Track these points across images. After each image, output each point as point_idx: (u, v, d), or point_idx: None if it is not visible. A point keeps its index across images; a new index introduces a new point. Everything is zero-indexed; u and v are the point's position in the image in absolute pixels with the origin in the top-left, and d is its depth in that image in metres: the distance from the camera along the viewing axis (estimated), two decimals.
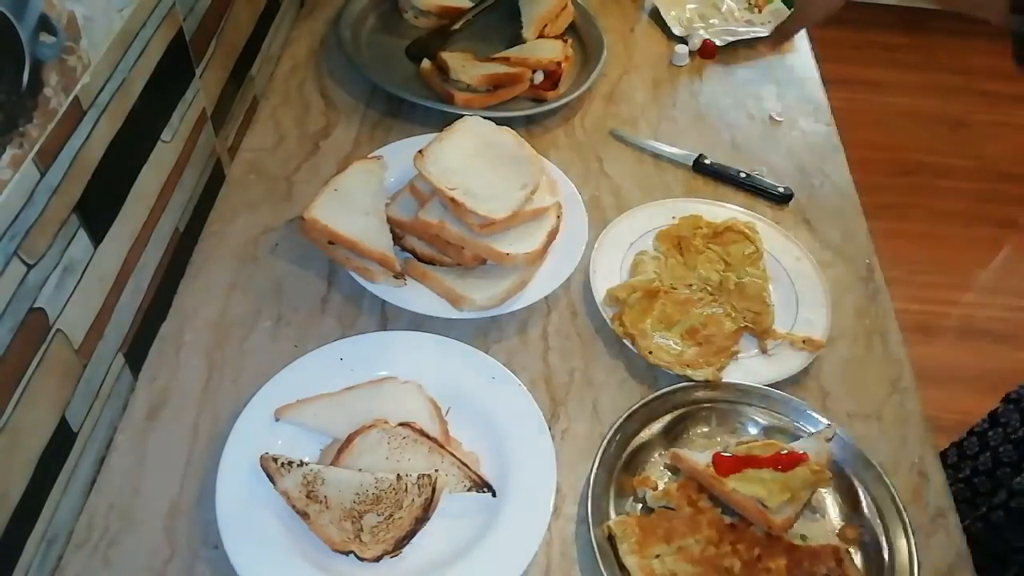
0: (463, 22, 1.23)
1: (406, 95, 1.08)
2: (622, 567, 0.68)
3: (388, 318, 0.87)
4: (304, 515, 0.68)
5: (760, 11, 1.28)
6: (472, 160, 0.88)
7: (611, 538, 0.70)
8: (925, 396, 0.86)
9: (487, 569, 0.68)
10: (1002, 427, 1.08)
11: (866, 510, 0.75)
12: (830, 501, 0.76)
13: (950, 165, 2.72)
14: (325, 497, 0.68)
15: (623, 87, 1.20)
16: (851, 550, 0.72)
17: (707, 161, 1.07)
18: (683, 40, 1.28)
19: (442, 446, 0.73)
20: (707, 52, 1.26)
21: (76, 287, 0.67)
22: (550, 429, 0.77)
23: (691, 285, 0.90)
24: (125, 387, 0.78)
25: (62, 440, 0.68)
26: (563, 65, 1.14)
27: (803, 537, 0.72)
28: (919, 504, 0.77)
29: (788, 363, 0.85)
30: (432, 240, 0.88)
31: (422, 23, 1.23)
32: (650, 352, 0.83)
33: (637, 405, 0.79)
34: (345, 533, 0.67)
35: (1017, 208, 2.56)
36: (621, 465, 0.76)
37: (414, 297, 0.85)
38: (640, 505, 0.74)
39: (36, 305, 0.62)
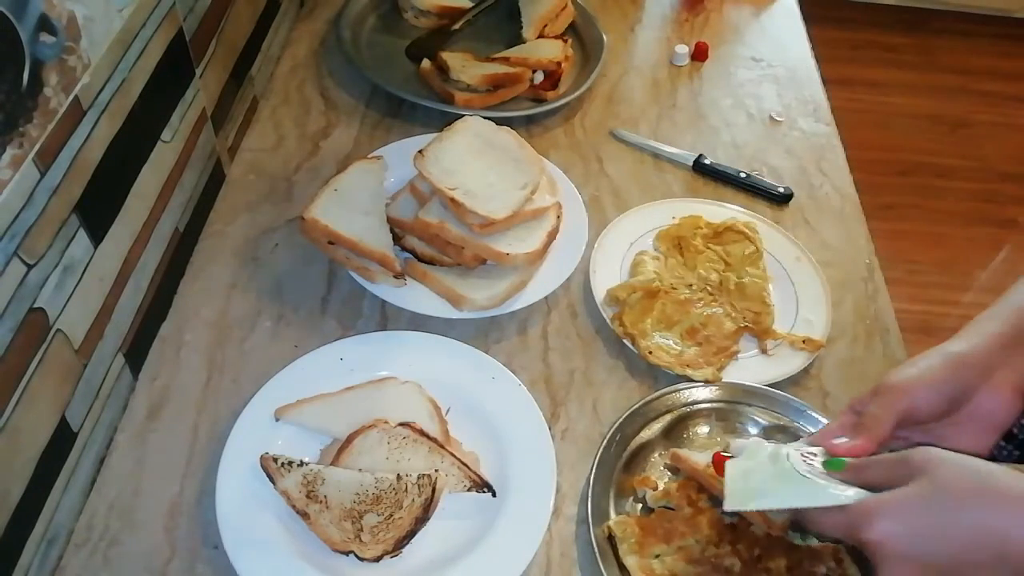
0: (463, 22, 1.23)
1: (406, 95, 1.08)
2: (622, 567, 0.68)
3: (388, 318, 0.87)
4: (304, 515, 0.67)
5: None
6: (472, 160, 0.88)
7: (611, 538, 0.70)
8: None
9: (487, 569, 0.68)
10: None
11: None
12: None
13: (950, 165, 2.72)
14: (325, 497, 0.68)
15: (623, 87, 1.20)
16: (851, 550, 0.72)
17: (707, 161, 1.07)
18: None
19: (442, 446, 0.73)
20: (700, 54, 1.26)
21: (76, 287, 0.67)
22: (550, 429, 0.77)
23: (691, 285, 0.90)
24: (125, 387, 0.78)
25: (62, 440, 0.68)
26: (563, 65, 1.14)
27: (803, 537, 0.72)
28: None
29: (788, 363, 0.85)
30: (432, 240, 0.88)
31: (422, 23, 1.23)
32: (650, 352, 0.83)
33: (637, 405, 0.79)
34: (345, 533, 0.67)
35: (1017, 208, 2.56)
36: (621, 465, 0.76)
37: (414, 297, 0.85)
38: (640, 505, 0.74)
39: (36, 305, 0.62)
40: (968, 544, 0.50)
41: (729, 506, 0.62)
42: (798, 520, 0.61)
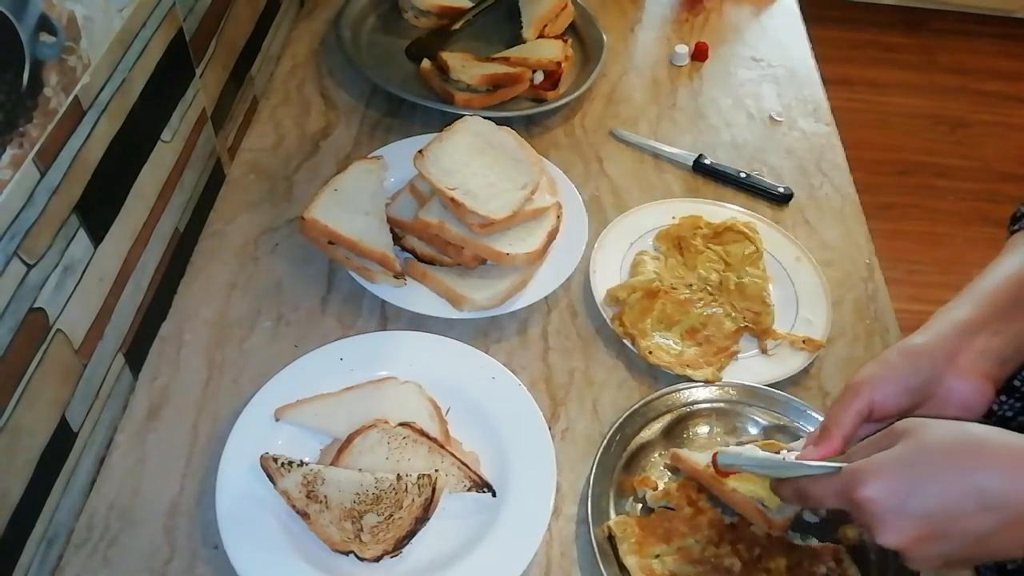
0: (463, 22, 1.23)
1: (406, 95, 1.08)
2: (622, 567, 0.68)
3: (388, 318, 0.87)
4: (304, 515, 0.67)
5: None
6: (472, 160, 0.88)
7: (611, 538, 0.70)
8: None
9: (487, 569, 0.68)
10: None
11: None
12: None
13: (950, 165, 2.72)
14: (325, 497, 0.68)
15: (623, 87, 1.20)
16: (851, 550, 0.72)
17: (707, 161, 1.07)
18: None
19: (442, 446, 0.73)
20: (700, 54, 1.26)
21: (76, 287, 0.67)
22: (550, 429, 0.77)
23: (691, 285, 0.90)
24: (125, 387, 0.78)
25: (62, 440, 0.68)
26: (563, 65, 1.14)
27: (803, 537, 0.72)
28: None
29: (788, 363, 0.85)
30: (432, 240, 0.88)
31: (422, 23, 1.23)
32: (650, 352, 0.83)
33: (637, 405, 0.79)
34: (345, 533, 0.67)
35: None
36: (621, 465, 0.76)
37: (414, 297, 0.85)
38: (640, 505, 0.74)
39: (36, 305, 0.62)
40: (953, 496, 0.51)
41: (720, 460, 0.67)
42: (793, 490, 0.62)
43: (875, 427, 0.62)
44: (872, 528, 0.54)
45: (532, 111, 1.10)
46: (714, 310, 0.88)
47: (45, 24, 0.58)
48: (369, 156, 0.96)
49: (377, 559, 0.66)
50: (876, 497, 0.52)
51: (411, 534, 0.67)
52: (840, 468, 0.56)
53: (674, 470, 0.77)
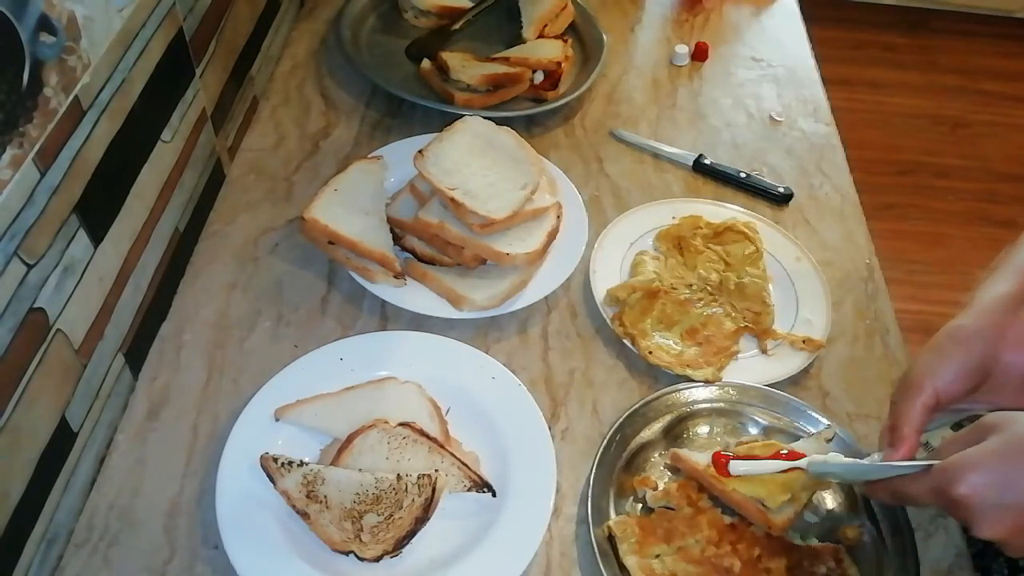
0: (463, 22, 1.23)
1: (406, 95, 1.08)
2: (622, 567, 0.68)
3: (388, 318, 0.87)
4: (304, 515, 0.67)
5: None
6: (472, 160, 0.88)
7: (611, 538, 0.70)
8: None
9: (487, 569, 0.68)
10: None
11: (866, 510, 0.75)
12: (830, 501, 0.76)
13: (950, 165, 2.72)
14: (325, 497, 0.68)
15: (623, 87, 1.20)
16: (851, 550, 0.72)
17: (707, 161, 1.07)
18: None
19: (442, 446, 0.73)
20: (700, 54, 1.26)
21: (76, 287, 0.67)
22: (550, 429, 0.77)
23: (691, 285, 0.90)
24: (125, 387, 0.78)
25: (62, 440, 0.68)
26: (563, 65, 1.14)
27: (803, 537, 0.72)
28: None
29: (788, 363, 0.85)
30: (432, 240, 0.88)
31: (422, 23, 1.24)
32: (650, 352, 0.83)
33: (637, 405, 0.79)
34: (345, 533, 0.67)
35: (1017, 208, 2.56)
36: (621, 465, 0.76)
37: (414, 297, 0.85)
38: (640, 505, 0.74)
39: (36, 305, 0.62)
40: None
41: (811, 468, 0.68)
42: (888, 491, 0.62)
43: (938, 417, 0.62)
44: (970, 522, 0.54)
45: (532, 111, 1.10)
46: (714, 310, 0.88)
47: (45, 24, 0.58)
48: (369, 156, 0.96)
49: (377, 559, 0.66)
50: (973, 492, 0.53)
51: (411, 534, 0.67)
52: (931, 466, 0.56)
53: (674, 470, 0.77)
